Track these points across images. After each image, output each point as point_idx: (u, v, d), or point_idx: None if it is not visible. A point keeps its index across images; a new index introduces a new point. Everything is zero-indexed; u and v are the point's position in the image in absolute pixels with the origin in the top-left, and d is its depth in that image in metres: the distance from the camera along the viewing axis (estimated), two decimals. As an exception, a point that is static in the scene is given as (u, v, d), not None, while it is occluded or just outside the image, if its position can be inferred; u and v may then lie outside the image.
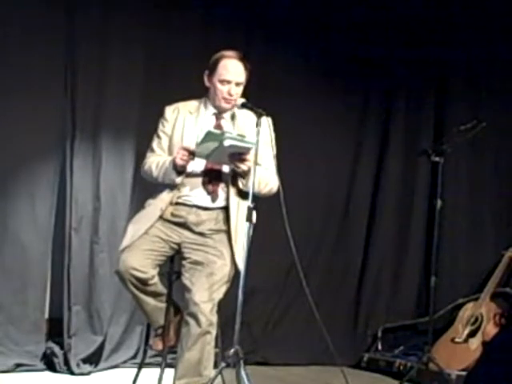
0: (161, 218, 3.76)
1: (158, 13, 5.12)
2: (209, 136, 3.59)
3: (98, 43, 4.94)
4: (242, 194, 3.74)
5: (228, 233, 3.74)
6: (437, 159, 4.88)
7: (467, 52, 5.91)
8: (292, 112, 5.50)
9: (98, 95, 4.95)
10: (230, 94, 3.77)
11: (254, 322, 5.44)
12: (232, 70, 3.77)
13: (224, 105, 3.81)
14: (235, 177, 3.74)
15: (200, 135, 3.65)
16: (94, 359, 4.81)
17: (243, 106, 3.77)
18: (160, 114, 3.93)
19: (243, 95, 3.81)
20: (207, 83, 3.85)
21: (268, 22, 5.56)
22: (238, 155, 3.63)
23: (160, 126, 3.89)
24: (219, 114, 3.86)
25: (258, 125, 3.63)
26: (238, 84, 3.78)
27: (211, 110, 3.87)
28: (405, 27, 5.89)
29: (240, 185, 3.73)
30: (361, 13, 5.78)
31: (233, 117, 3.87)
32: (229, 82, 3.77)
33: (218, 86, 3.78)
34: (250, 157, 3.63)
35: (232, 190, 3.75)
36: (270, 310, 5.61)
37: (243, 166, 3.65)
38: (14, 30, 4.67)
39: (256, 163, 3.61)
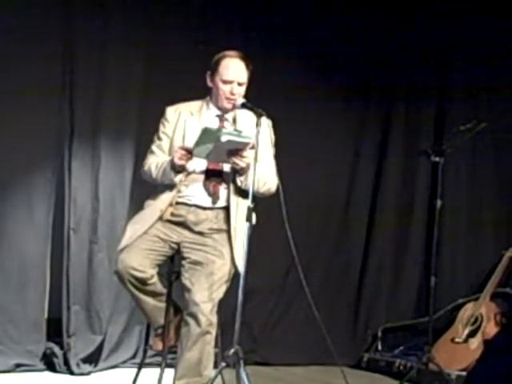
0: (160, 218, 3.75)
1: (158, 13, 5.11)
2: (206, 133, 3.58)
3: (97, 43, 4.93)
4: (242, 193, 3.74)
5: (228, 232, 3.74)
6: (437, 159, 4.88)
7: (467, 52, 5.91)
8: (292, 112, 5.49)
9: (97, 95, 4.94)
10: (232, 94, 3.76)
11: (254, 322, 5.44)
12: (234, 70, 3.77)
13: (226, 105, 3.81)
14: (235, 176, 3.74)
15: (198, 135, 3.65)
16: (93, 359, 4.81)
17: (243, 106, 3.77)
18: (159, 115, 3.92)
19: (243, 96, 3.80)
20: (209, 83, 3.84)
21: (267, 22, 5.55)
22: (236, 151, 3.63)
23: (161, 127, 3.88)
24: (222, 116, 3.85)
25: (257, 125, 3.62)
26: (240, 84, 3.78)
27: (214, 110, 3.86)
28: (405, 27, 5.89)
29: (238, 182, 3.73)
30: (360, 13, 5.78)
31: (234, 118, 3.87)
32: (231, 82, 3.77)
33: (221, 86, 3.78)
34: (249, 153, 3.62)
35: (232, 190, 3.75)
36: (270, 310, 5.60)
37: (241, 163, 3.64)
38: (12, 30, 4.66)
39: (255, 161, 3.60)
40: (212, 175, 3.77)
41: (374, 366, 5.50)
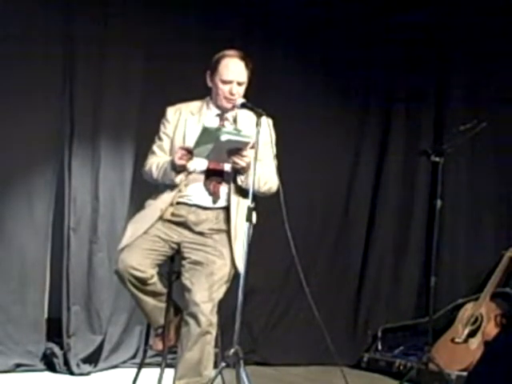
0: (160, 218, 3.75)
1: (158, 13, 5.11)
2: (205, 132, 3.59)
3: (97, 43, 4.93)
4: (242, 193, 3.74)
5: (228, 232, 3.74)
6: (437, 159, 4.87)
7: (467, 52, 5.91)
8: (292, 113, 5.49)
9: (97, 95, 4.94)
10: (232, 94, 3.77)
11: (254, 322, 5.44)
12: (233, 70, 3.77)
13: (226, 104, 3.81)
14: (235, 176, 3.74)
15: (198, 134, 3.65)
16: (93, 359, 4.81)
17: (243, 106, 3.77)
18: (159, 115, 3.93)
19: (243, 96, 3.81)
20: (209, 83, 3.84)
21: (268, 22, 5.56)
22: (236, 151, 3.63)
23: (161, 128, 3.89)
24: (222, 115, 3.86)
25: (257, 124, 3.62)
26: (239, 83, 3.78)
27: (214, 110, 3.86)
28: (405, 27, 5.89)
29: (239, 181, 3.73)
30: (361, 13, 5.78)
31: (235, 118, 3.87)
32: (230, 82, 3.77)
33: (220, 85, 3.78)
34: (249, 152, 3.62)
35: (232, 189, 3.75)
36: (270, 310, 5.60)
37: (241, 162, 3.65)
38: (12, 30, 4.65)
39: (256, 161, 3.60)
40: (213, 175, 3.77)
41: (374, 366, 5.50)
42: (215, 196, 3.76)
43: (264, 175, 3.75)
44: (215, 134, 3.57)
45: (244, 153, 3.63)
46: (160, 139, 3.88)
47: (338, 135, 5.90)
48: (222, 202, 3.77)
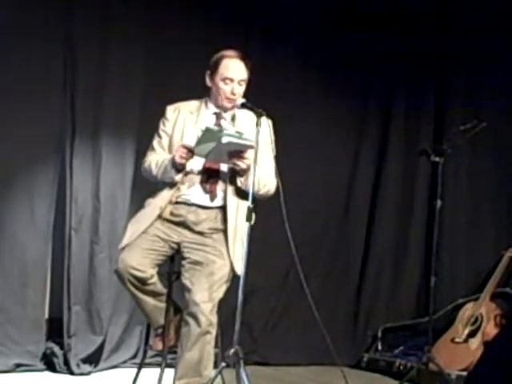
0: (160, 217, 3.76)
1: (158, 12, 5.11)
2: (207, 133, 3.59)
3: (97, 42, 4.94)
4: (241, 194, 3.75)
5: (225, 232, 3.74)
6: (437, 159, 4.88)
7: (467, 51, 5.91)
8: (292, 113, 5.49)
9: (98, 94, 4.94)
10: (233, 93, 3.78)
11: (254, 322, 5.44)
12: (234, 69, 3.78)
13: (227, 104, 3.81)
14: (234, 176, 3.75)
15: (200, 134, 3.65)
16: (93, 359, 4.81)
17: (243, 105, 3.77)
18: (160, 113, 3.94)
19: (243, 96, 3.81)
20: (209, 83, 3.85)
21: (267, 22, 5.56)
22: (237, 153, 3.63)
23: (161, 126, 3.90)
24: (220, 114, 3.86)
25: (257, 125, 3.63)
26: (240, 82, 3.79)
27: (212, 109, 3.87)
28: (405, 27, 5.89)
29: (238, 183, 3.73)
30: (361, 13, 5.78)
31: (233, 117, 3.87)
32: (232, 80, 3.78)
33: (221, 85, 3.79)
34: (249, 155, 3.63)
35: (230, 190, 3.76)
36: (270, 310, 5.60)
37: (242, 165, 3.65)
38: (13, 29, 4.66)
39: (255, 163, 3.61)
40: (209, 174, 3.77)
41: (374, 366, 5.50)
42: (212, 194, 3.76)
43: (264, 177, 3.75)
44: (217, 135, 3.58)
45: (245, 155, 3.64)
46: (159, 136, 3.89)
47: (337, 135, 5.90)
48: (218, 201, 3.77)
